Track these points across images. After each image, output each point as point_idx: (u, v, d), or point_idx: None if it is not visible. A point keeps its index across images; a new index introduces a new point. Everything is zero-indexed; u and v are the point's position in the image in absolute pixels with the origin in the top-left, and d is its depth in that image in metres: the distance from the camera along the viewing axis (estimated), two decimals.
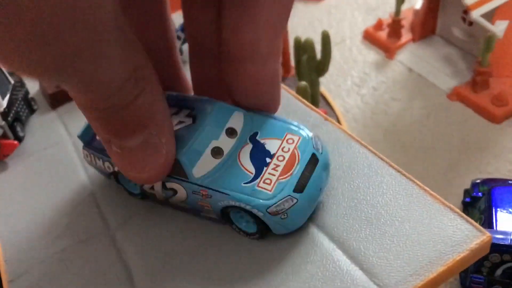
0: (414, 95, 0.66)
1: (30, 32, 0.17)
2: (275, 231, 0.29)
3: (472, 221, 0.30)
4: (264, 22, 0.27)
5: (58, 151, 0.42)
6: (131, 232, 0.33)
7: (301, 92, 0.50)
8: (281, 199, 0.27)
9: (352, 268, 0.28)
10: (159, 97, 0.25)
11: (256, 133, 0.30)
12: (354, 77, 0.70)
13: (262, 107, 0.31)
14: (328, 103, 0.63)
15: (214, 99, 0.31)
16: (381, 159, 0.35)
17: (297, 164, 0.28)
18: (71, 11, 0.17)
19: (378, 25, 0.77)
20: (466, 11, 0.67)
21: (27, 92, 0.47)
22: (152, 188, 0.31)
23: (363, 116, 0.63)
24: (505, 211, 0.41)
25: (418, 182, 0.33)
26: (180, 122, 0.30)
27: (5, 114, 0.42)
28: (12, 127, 0.43)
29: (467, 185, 0.51)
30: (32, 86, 0.50)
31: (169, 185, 0.30)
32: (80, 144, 0.42)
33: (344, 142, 0.37)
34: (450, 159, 0.57)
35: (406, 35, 0.74)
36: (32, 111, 0.47)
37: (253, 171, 0.28)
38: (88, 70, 0.20)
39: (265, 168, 0.28)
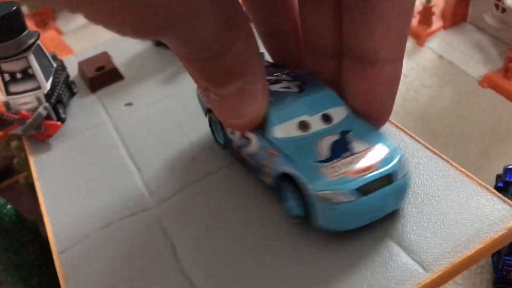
0: (445, 82, 0.66)
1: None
2: (317, 222, 0.28)
3: (509, 201, 0.30)
4: (383, 31, 0.27)
5: (99, 132, 0.43)
6: (174, 208, 0.34)
7: None
8: (340, 189, 0.26)
9: (390, 244, 0.29)
10: (253, 47, 0.26)
11: (349, 131, 0.29)
12: None
13: (370, 113, 0.30)
14: None
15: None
16: (418, 141, 0.36)
17: (373, 171, 0.27)
18: None
19: None
20: None
21: (67, 76, 0.49)
22: (233, 133, 0.33)
23: (394, 102, 0.64)
24: None
25: (454, 164, 0.34)
26: (287, 88, 0.31)
27: (48, 96, 0.44)
28: (54, 108, 0.45)
29: (499, 171, 0.51)
30: (71, 71, 0.52)
31: (247, 133, 0.31)
32: (120, 125, 0.44)
33: None
34: (481, 145, 0.57)
35: (436, 22, 0.74)
36: (72, 94, 0.49)
37: (327, 156, 0.28)
38: (183, 28, 0.21)
39: (339, 159, 0.28)
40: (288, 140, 0.29)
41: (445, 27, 0.74)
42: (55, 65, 0.47)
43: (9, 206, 0.41)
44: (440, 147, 0.57)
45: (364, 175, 0.27)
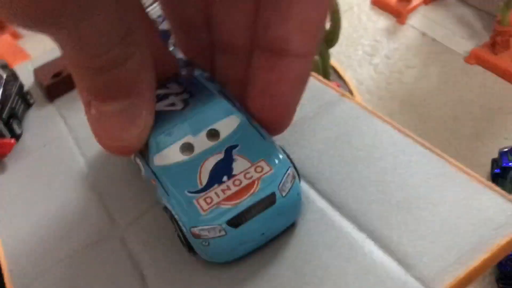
0: (430, 61, 0.63)
1: None
2: (199, 253, 0.26)
3: None
4: (296, 21, 0.25)
5: (58, 147, 0.40)
6: (141, 231, 0.31)
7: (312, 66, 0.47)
8: (208, 225, 0.25)
9: (385, 260, 0.26)
10: (148, 67, 0.24)
11: (235, 146, 0.27)
12: (365, 46, 0.67)
13: (273, 114, 0.28)
14: (339, 76, 0.59)
15: (223, 95, 0.29)
16: (407, 135, 0.32)
17: (250, 196, 0.25)
18: None
19: None
20: None
21: (21, 86, 0.45)
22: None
23: (377, 87, 0.60)
24: None
25: (450, 159, 0.30)
26: (171, 104, 0.28)
27: None
28: (8, 124, 0.41)
29: (494, 154, 0.48)
30: (27, 79, 0.48)
31: (136, 160, 0.29)
32: (81, 137, 0.40)
33: (364, 119, 0.34)
34: (473, 127, 0.54)
35: None
36: (28, 105, 0.45)
37: (204, 183, 0.26)
38: (78, 27, 0.19)
39: (216, 185, 0.26)
40: (170, 168, 0.27)
41: (426, 2, 0.71)
42: (4, 76, 0.43)
43: None
44: (430, 131, 0.54)
45: (240, 201, 0.25)
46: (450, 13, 0.68)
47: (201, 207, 0.25)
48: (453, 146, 0.53)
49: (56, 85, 0.45)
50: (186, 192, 0.25)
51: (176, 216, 0.25)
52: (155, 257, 0.29)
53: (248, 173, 0.26)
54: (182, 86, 0.30)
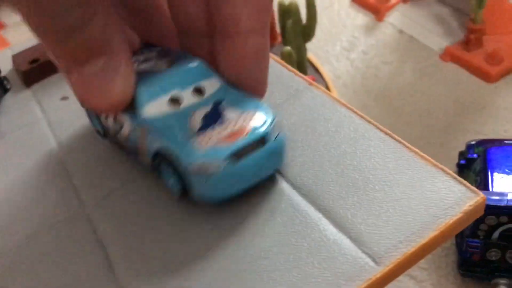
0: (406, 58, 0.64)
1: None
2: (194, 194, 0.28)
3: (466, 182, 0.28)
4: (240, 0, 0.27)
5: (31, 131, 0.40)
6: (109, 212, 0.31)
7: (285, 57, 0.48)
8: (209, 160, 0.26)
9: (339, 237, 0.27)
10: (114, 23, 0.25)
11: (221, 101, 0.29)
12: (343, 42, 0.67)
13: (245, 87, 0.30)
14: (316, 70, 0.60)
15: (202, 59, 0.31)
16: (369, 122, 0.33)
17: (243, 137, 0.27)
18: None
19: None
20: None
21: None
22: (107, 119, 0.32)
23: (353, 81, 0.61)
24: (500, 171, 0.40)
25: (407, 145, 0.31)
26: (155, 65, 0.30)
27: None
28: None
29: (464, 147, 0.49)
30: (5, 65, 0.48)
31: (119, 117, 0.30)
32: (54, 121, 0.40)
33: (329, 107, 0.35)
34: (445, 121, 0.55)
35: None
36: (5, 90, 0.45)
37: (197, 128, 0.28)
38: None
39: (209, 129, 0.28)
40: (159, 118, 0.29)
41: (404, 0, 0.72)
42: None
43: None
44: (403, 124, 0.55)
45: (235, 141, 0.27)
46: (427, 12, 0.69)
47: (199, 144, 0.27)
48: (425, 139, 0.54)
49: (33, 70, 0.46)
50: (181, 135, 0.27)
51: (175, 155, 0.27)
52: (121, 236, 0.29)
53: (239, 118, 0.28)
54: (161, 53, 0.31)
